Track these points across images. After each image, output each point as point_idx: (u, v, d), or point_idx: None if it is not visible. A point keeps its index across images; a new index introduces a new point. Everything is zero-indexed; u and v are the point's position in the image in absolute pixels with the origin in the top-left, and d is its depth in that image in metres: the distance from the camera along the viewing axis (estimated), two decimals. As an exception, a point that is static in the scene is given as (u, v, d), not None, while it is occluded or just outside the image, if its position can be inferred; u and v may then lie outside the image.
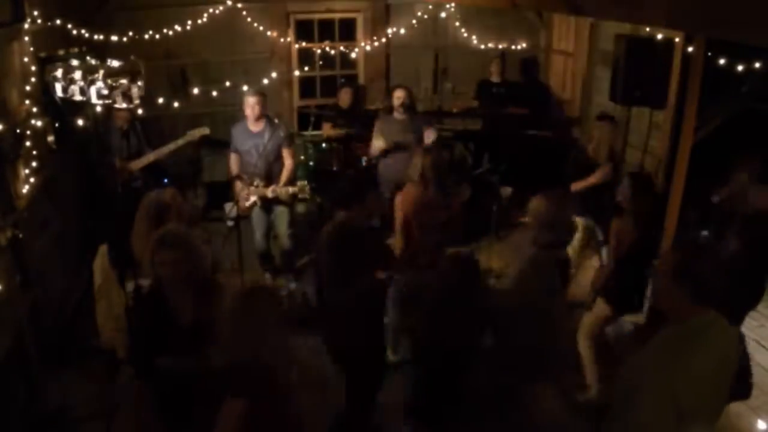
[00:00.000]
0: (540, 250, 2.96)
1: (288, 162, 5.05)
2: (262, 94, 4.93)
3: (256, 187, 4.88)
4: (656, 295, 2.37)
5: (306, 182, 4.93)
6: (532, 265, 2.99)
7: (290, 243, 5.25)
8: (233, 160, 5.05)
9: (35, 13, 4.20)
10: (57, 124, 4.57)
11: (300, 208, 6.50)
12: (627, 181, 3.95)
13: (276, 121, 5.07)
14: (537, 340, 2.85)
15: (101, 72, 3.98)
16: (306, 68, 7.20)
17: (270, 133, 4.85)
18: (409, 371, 3.83)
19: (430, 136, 5.14)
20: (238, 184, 4.95)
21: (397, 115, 5.26)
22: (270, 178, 4.94)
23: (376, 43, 6.87)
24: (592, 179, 4.86)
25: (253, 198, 4.91)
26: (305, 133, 6.76)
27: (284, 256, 5.33)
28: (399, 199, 4.20)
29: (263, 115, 4.92)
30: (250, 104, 4.84)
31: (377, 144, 5.24)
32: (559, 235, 2.95)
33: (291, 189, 4.90)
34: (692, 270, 2.09)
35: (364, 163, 5.72)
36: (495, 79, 6.98)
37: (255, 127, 4.93)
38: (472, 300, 2.81)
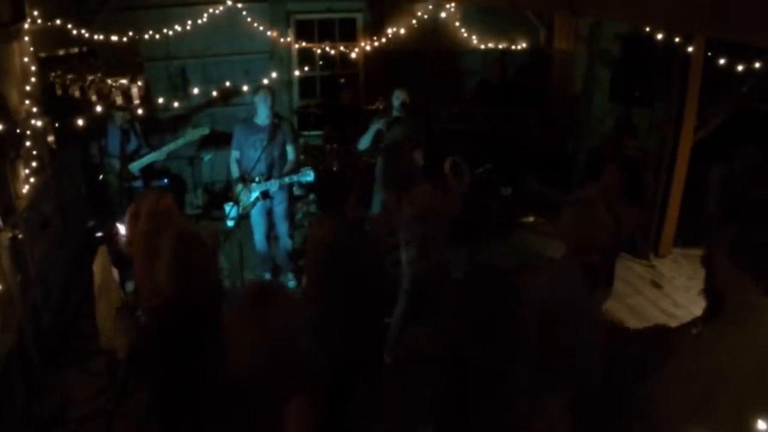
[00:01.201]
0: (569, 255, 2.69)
1: (292, 156, 5.08)
2: (273, 89, 5.01)
3: (258, 182, 4.88)
4: (715, 277, 2.28)
5: (310, 167, 4.97)
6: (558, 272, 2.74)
7: (290, 243, 5.29)
8: (234, 160, 5.03)
9: (35, 13, 4.20)
10: (57, 124, 4.57)
11: (300, 208, 6.52)
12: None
13: (283, 118, 5.11)
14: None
15: (101, 72, 4.00)
16: (306, 68, 7.21)
17: (276, 127, 4.89)
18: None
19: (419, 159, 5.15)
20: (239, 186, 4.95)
21: (396, 115, 5.27)
22: (271, 174, 4.94)
23: (376, 43, 6.86)
24: None
25: (254, 194, 4.91)
26: (305, 133, 6.76)
27: (284, 256, 5.34)
28: (407, 199, 4.19)
29: (272, 112, 4.93)
30: (265, 97, 4.84)
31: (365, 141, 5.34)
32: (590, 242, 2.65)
33: (295, 177, 4.94)
34: (752, 244, 2.04)
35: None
36: (494, 80, 6.98)
37: (263, 122, 4.93)
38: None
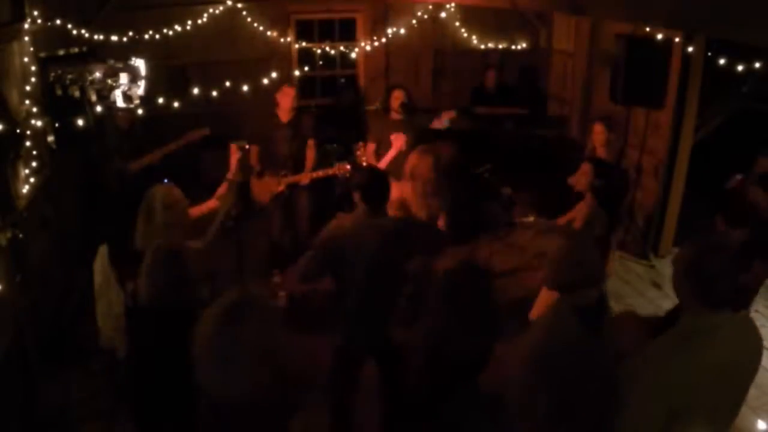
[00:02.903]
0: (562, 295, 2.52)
1: (311, 152, 5.24)
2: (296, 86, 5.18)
3: (285, 176, 4.99)
4: (673, 288, 2.29)
5: (346, 162, 5.13)
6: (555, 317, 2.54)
7: (308, 235, 5.38)
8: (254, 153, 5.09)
9: (35, 13, 4.20)
10: (57, 124, 4.57)
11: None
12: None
13: (303, 112, 5.23)
14: None
15: (101, 72, 3.99)
16: (306, 68, 7.21)
17: (298, 123, 5.09)
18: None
19: (445, 119, 5.19)
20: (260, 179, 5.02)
21: (395, 115, 5.26)
22: (296, 168, 5.10)
23: (376, 43, 6.86)
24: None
25: (281, 188, 5.01)
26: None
27: (299, 247, 5.43)
28: (401, 200, 4.21)
29: (294, 108, 5.09)
30: (290, 94, 5.00)
31: (372, 147, 5.32)
32: (587, 273, 2.50)
33: (330, 170, 5.08)
34: (701, 269, 1.99)
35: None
36: (490, 86, 6.97)
37: (285, 117, 5.07)
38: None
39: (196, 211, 3.65)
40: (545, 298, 3.82)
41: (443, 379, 1.99)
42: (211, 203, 3.81)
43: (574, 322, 2.35)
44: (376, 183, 3.22)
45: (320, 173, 5.12)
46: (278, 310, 1.98)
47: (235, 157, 3.98)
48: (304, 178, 5.09)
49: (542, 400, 2.30)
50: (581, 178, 3.93)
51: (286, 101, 5.06)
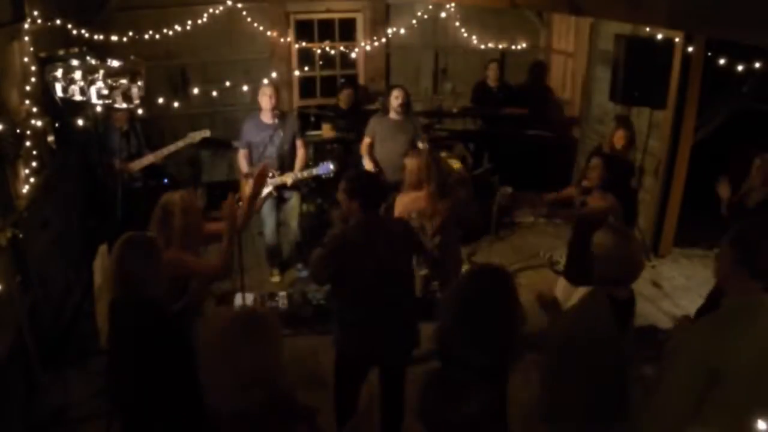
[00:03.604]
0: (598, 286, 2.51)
1: (301, 151, 5.21)
2: (276, 86, 5.08)
3: (272, 177, 4.96)
4: (716, 271, 2.33)
5: (329, 162, 5.05)
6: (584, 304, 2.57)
7: (300, 234, 5.46)
8: (243, 157, 5.10)
9: (35, 13, 4.20)
10: (57, 124, 4.57)
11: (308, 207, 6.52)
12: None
13: (286, 112, 5.19)
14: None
15: (101, 72, 3.99)
16: (306, 68, 7.20)
17: (283, 123, 5.02)
18: None
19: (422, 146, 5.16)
20: (248, 182, 4.99)
21: (394, 115, 5.26)
22: (283, 168, 5.06)
23: (376, 43, 6.86)
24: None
25: (268, 189, 4.98)
26: (305, 133, 6.74)
27: (295, 246, 5.49)
28: (399, 202, 4.20)
29: (276, 108, 5.04)
30: (267, 94, 4.95)
31: (366, 141, 5.35)
32: (623, 270, 2.47)
33: (314, 170, 5.04)
34: (753, 240, 2.10)
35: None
36: (492, 83, 6.98)
37: (268, 118, 5.04)
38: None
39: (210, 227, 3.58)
40: (566, 288, 3.80)
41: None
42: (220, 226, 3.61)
43: (610, 314, 2.39)
44: (363, 181, 3.21)
45: (305, 174, 5.09)
46: (280, 330, 1.95)
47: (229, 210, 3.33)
48: (288, 180, 5.02)
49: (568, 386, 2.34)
50: (592, 173, 3.94)
51: (264, 101, 4.99)
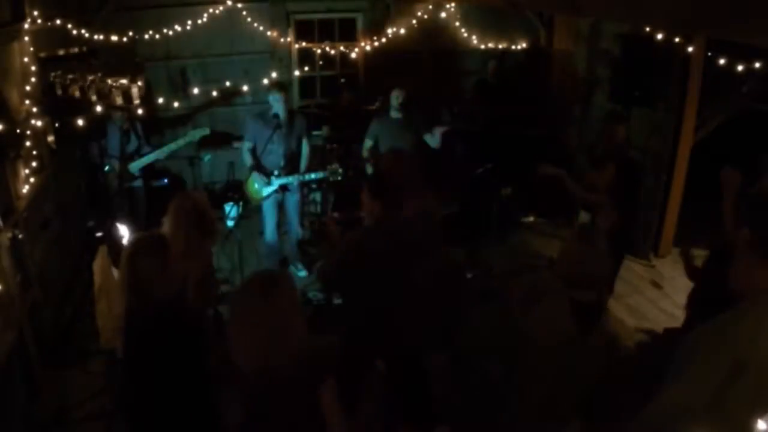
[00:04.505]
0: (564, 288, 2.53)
1: (306, 150, 5.22)
2: (285, 89, 5.13)
3: (277, 176, 4.99)
4: (732, 274, 2.28)
5: (337, 165, 5.11)
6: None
7: (301, 233, 5.51)
8: (248, 150, 5.07)
9: (35, 13, 4.20)
10: (57, 124, 4.57)
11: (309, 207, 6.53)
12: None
13: (295, 111, 5.21)
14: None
15: (101, 72, 3.99)
16: (306, 68, 7.20)
17: (292, 122, 5.03)
18: None
19: (437, 133, 5.18)
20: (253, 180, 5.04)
21: (395, 114, 5.26)
22: (289, 167, 5.07)
23: (376, 43, 6.86)
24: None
25: (272, 188, 5.02)
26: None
27: (294, 247, 5.52)
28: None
29: (287, 106, 5.06)
30: (280, 100, 4.91)
31: (368, 145, 5.36)
32: (582, 276, 2.48)
33: (322, 173, 5.09)
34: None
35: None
36: (492, 80, 6.98)
37: (279, 116, 4.98)
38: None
39: None
40: None
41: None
42: None
43: (567, 316, 2.42)
44: (382, 176, 3.19)
45: (312, 177, 5.12)
46: (295, 289, 2.01)
47: None
48: (293, 180, 5.06)
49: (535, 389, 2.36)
50: (605, 174, 3.93)
51: (277, 107, 4.93)
